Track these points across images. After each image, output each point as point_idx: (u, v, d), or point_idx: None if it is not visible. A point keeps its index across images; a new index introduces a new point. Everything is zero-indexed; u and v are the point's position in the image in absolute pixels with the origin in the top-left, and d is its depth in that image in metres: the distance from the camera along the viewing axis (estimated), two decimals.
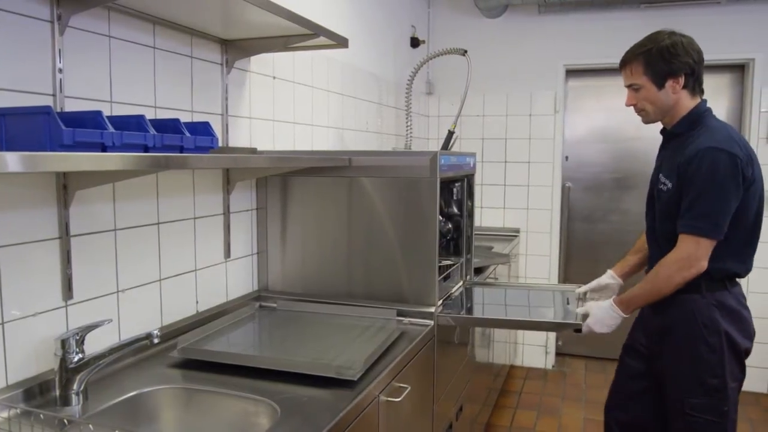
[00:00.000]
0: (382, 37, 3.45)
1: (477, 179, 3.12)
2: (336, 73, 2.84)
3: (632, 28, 4.03)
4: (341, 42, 2.04)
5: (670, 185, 1.89)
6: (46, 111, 1.08)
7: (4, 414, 1.24)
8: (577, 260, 4.34)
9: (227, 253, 2.05)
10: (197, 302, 1.91)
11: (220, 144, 1.95)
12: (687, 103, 1.92)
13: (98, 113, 1.17)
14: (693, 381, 1.88)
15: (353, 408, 1.35)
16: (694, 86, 1.92)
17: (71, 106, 1.42)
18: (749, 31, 3.78)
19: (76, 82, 1.44)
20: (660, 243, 1.97)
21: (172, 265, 1.79)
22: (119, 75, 1.57)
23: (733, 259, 1.87)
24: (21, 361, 1.34)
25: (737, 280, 1.92)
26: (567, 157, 4.28)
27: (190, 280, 1.88)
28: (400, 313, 2.01)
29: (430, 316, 2.02)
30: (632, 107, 2.00)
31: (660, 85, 1.89)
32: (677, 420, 1.93)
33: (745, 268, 1.91)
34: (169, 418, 1.44)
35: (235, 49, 1.99)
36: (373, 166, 2.09)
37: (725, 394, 1.86)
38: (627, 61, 1.95)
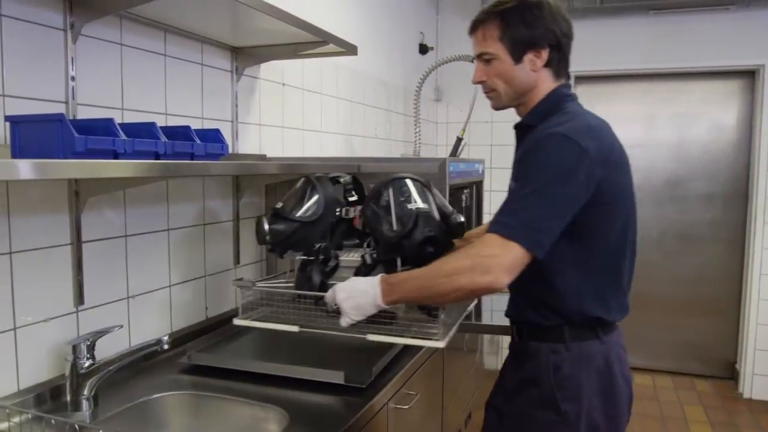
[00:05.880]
0: (391, 43, 3.46)
1: (485, 186, 3.12)
2: (345, 79, 2.85)
3: (641, 36, 4.06)
4: (350, 49, 2.05)
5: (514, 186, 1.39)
6: (58, 118, 1.09)
7: (16, 419, 1.25)
8: None
9: (237, 260, 2.05)
10: (207, 308, 1.92)
11: (230, 151, 1.96)
12: (547, 86, 1.44)
13: (110, 121, 1.18)
14: None
15: (362, 415, 1.35)
16: (559, 66, 1.43)
17: (83, 114, 1.43)
18: (759, 37, 3.76)
19: (88, 89, 1.45)
20: None
21: (181, 271, 1.80)
22: (131, 82, 1.58)
23: (592, 298, 1.36)
24: (32, 367, 1.34)
25: (616, 325, 1.42)
26: None
27: (200, 286, 1.89)
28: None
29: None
30: (481, 87, 1.53)
31: (517, 58, 1.40)
32: None
33: (612, 311, 1.38)
34: (179, 424, 1.44)
35: (245, 56, 2.00)
36: (383, 173, 2.08)
37: None
38: (480, 21, 1.43)
